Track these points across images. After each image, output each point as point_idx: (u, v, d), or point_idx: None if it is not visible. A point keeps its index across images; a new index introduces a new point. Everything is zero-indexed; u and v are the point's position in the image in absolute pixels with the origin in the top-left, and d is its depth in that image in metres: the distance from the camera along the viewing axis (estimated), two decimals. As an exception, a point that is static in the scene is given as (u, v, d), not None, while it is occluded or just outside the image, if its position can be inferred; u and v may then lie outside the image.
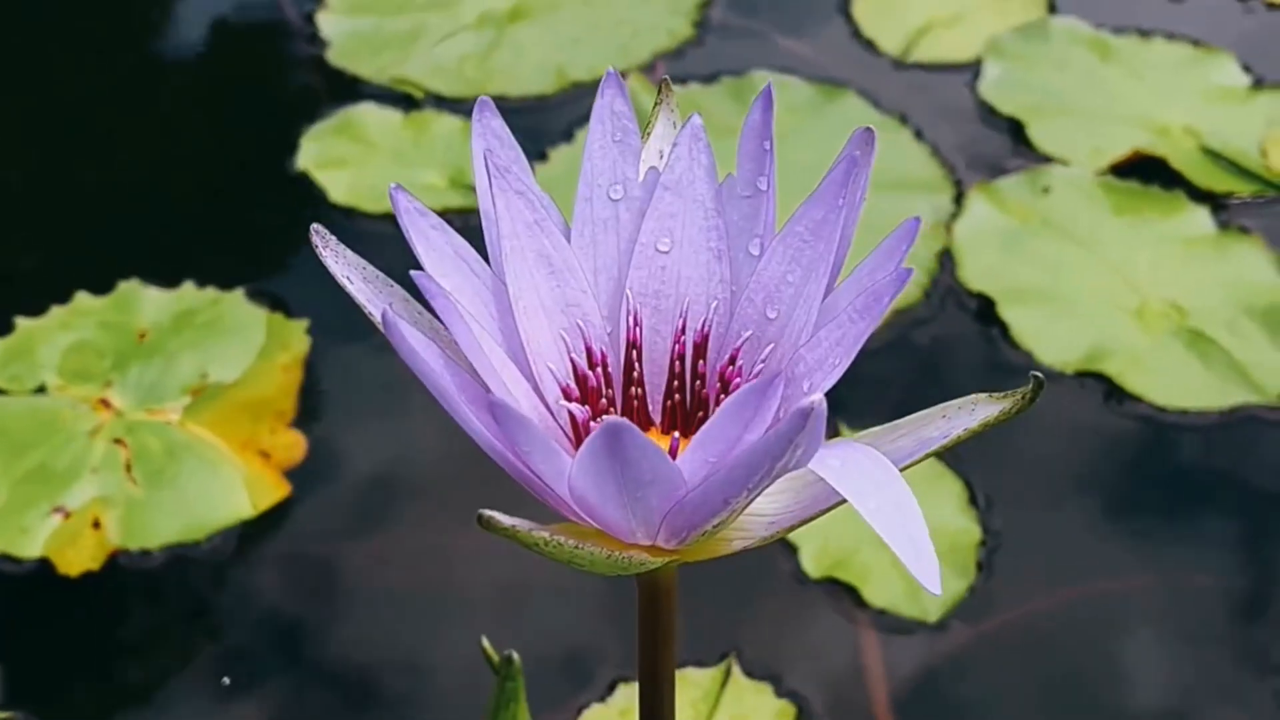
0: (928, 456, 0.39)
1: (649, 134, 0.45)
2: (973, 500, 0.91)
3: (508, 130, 0.42)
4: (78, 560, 0.88)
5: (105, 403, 0.95)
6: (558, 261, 0.42)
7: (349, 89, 1.20)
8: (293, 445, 0.94)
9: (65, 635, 0.87)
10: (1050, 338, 1.01)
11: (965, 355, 1.01)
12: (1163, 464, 0.95)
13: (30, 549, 0.88)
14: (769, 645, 0.85)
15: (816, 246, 0.41)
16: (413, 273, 0.38)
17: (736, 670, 0.83)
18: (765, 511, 0.41)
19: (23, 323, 1.00)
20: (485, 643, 0.65)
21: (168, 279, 1.03)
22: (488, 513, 0.35)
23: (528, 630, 0.87)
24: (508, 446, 0.37)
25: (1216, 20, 1.28)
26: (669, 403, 0.43)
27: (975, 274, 1.05)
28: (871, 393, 0.97)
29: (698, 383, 0.43)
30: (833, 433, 0.93)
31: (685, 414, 0.43)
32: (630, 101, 0.43)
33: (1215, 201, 1.10)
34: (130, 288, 1.02)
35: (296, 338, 1.00)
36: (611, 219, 0.43)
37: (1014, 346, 1.00)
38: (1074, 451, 0.96)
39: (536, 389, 0.41)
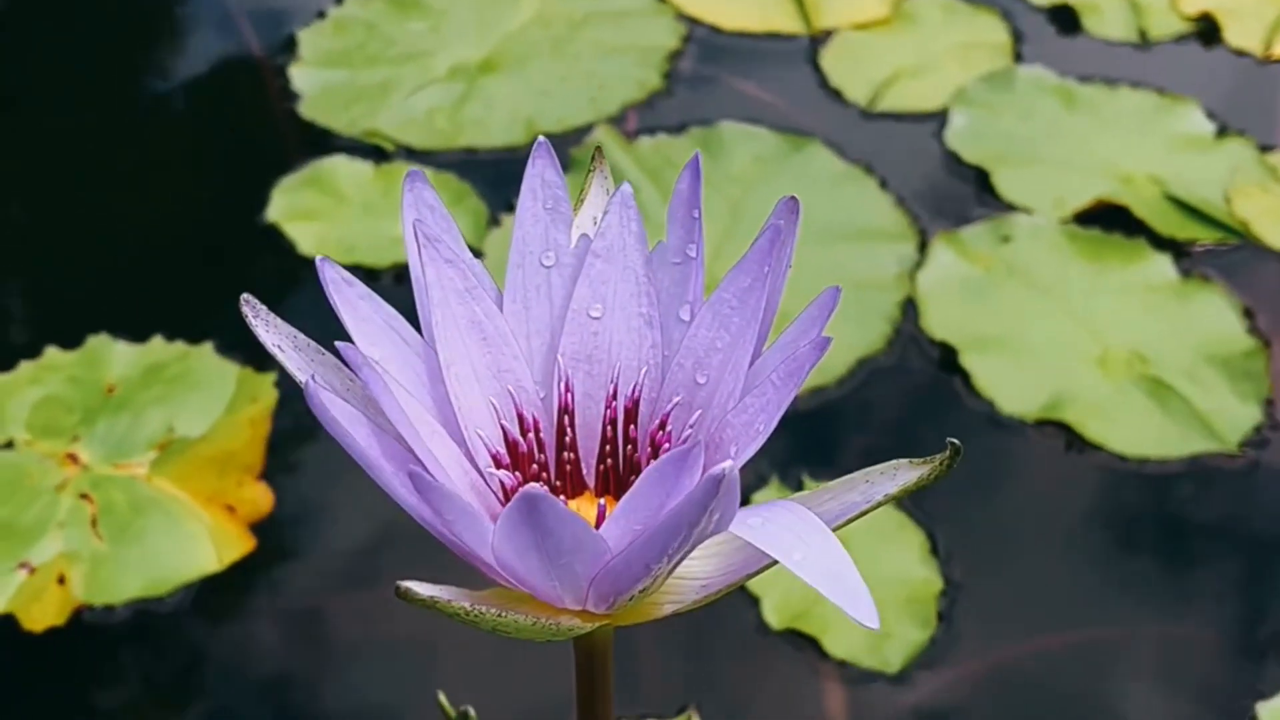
0: (850, 521, 0.40)
1: (583, 200, 0.46)
2: (934, 550, 0.91)
3: (439, 200, 0.43)
4: (43, 616, 0.88)
5: (73, 457, 0.96)
6: (489, 329, 0.42)
7: (320, 141, 1.21)
8: (259, 499, 0.95)
9: (29, 692, 0.87)
10: (1011, 386, 1.01)
11: (927, 404, 1.01)
12: (1123, 512, 0.96)
13: (-4, 605, 0.89)
14: (730, 697, 0.85)
15: (743, 313, 0.41)
16: (338, 344, 0.38)
17: (697, 722, 0.83)
18: (697, 575, 0.41)
19: (-8, 377, 1.00)
20: (442, 697, 0.65)
21: (137, 333, 1.03)
22: (405, 584, 0.35)
23: (495, 682, 0.87)
24: (433, 515, 0.37)
25: (1183, 69, 1.29)
26: (601, 467, 0.43)
27: (938, 322, 1.05)
28: (833, 442, 0.98)
29: (629, 447, 0.43)
30: (795, 484, 0.93)
31: (618, 478, 0.43)
32: (560, 171, 0.44)
33: (1178, 249, 1.11)
34: (99, 342, 1.03)
35: (265, 391, 1.00)
36: (544, 285, 0.44)
37: (976, 395, 1.00)
38: (1034, 500, 0.96)
39: (469, 455, 0.42)
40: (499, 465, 0.42)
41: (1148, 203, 1.15)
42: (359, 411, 0.38)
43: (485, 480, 0.42)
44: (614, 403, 0.43)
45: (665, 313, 0.43)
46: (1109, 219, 1.13)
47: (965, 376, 1.02)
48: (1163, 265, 1.10)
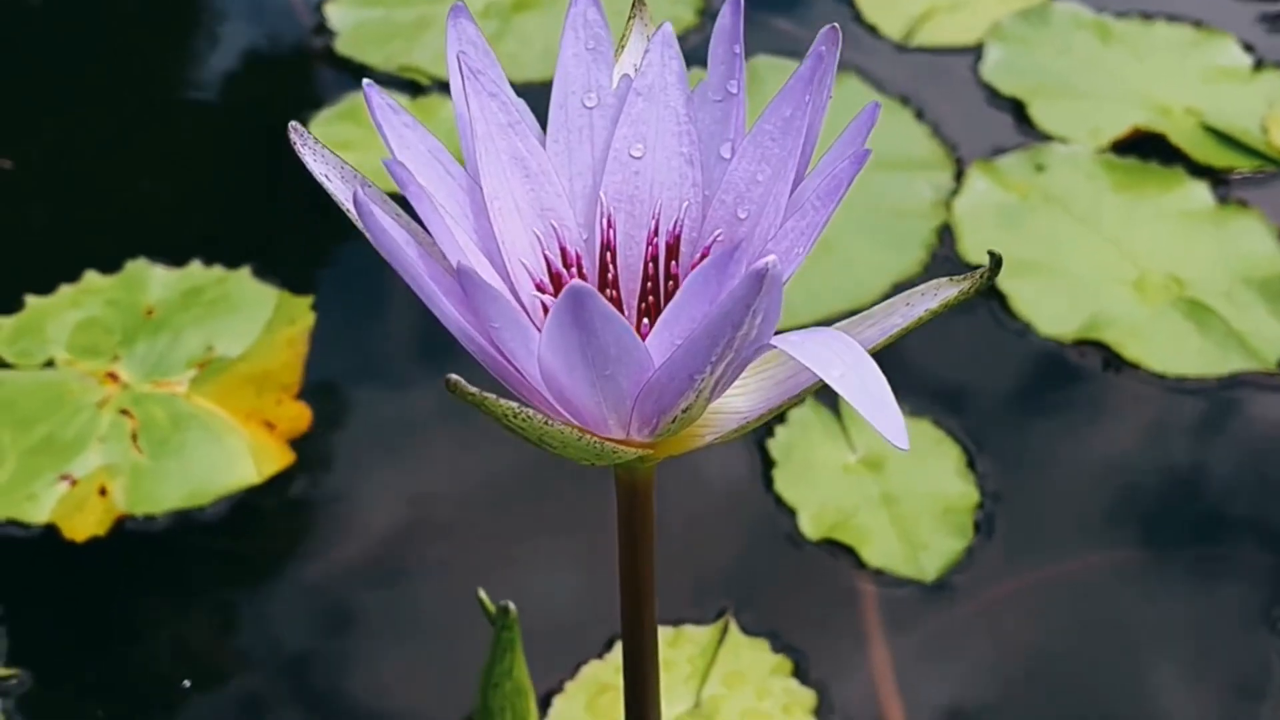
0: (892, 340, 0.40)
1: (623, 47, 0.46)
2: (971, 465, 0.91)
3: (482, 36, 0.43)
4: (84, 526, 0.89)
5: (113, 376, 0.97)
6: (532, 165, 0.43)
7: (356, 76, 1.22)
8: (298, 416, 0.95)
9: (71, 599, 0.88)
10: (1049, 308, 1.01)
11: (964, 325, 1.01)
12: (1160, 429, 0.96)
13: (38, 515, 0.89)
14: (767, 604, 0.85)
15: (784, 143, 0.41)
16: (384, 160, 0.38)
17: (734, 627, 0.83)
18: (737, 409, 0.42)
19: (32, 300, 1.01)
20: (482, 594, 0.66)
21: (175, 258, 1.04)
22: (455, 377, 0.36)
23: (530, 592, 0.87)
24: (477, 327, 0.37)
25: (1218, 4, 1.29)
26: (643, 305, 0.44)
27: (974, 247, 1.05)
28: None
29: (670, 283, 0.43)
30: (833, 407, 0.94)
31: (658, 314, 0.43)
32: (602, 10, 0.44)
33: (1215, 176, 1.11)
34: (138, 266, 1.04)
35: (302, 313, 1.00)
36: (585, 126, 0.44)
37: (1013, 316, 1.00)
38: (1072, 417, 0.96)
39: (511, 285, 0.42)
40: (542, 291, 0.42)
41: (1184, 132, 1.14)
42: (404, 229, 0.39)
43: (527, 310, 0.42)
44: (655, 240, 0.43)
45: (706, 150, 0.43)
46: (1146, 148, 1.13)
47: (1002, 299, 1.01)
48: (1200, 192, 1.09)
